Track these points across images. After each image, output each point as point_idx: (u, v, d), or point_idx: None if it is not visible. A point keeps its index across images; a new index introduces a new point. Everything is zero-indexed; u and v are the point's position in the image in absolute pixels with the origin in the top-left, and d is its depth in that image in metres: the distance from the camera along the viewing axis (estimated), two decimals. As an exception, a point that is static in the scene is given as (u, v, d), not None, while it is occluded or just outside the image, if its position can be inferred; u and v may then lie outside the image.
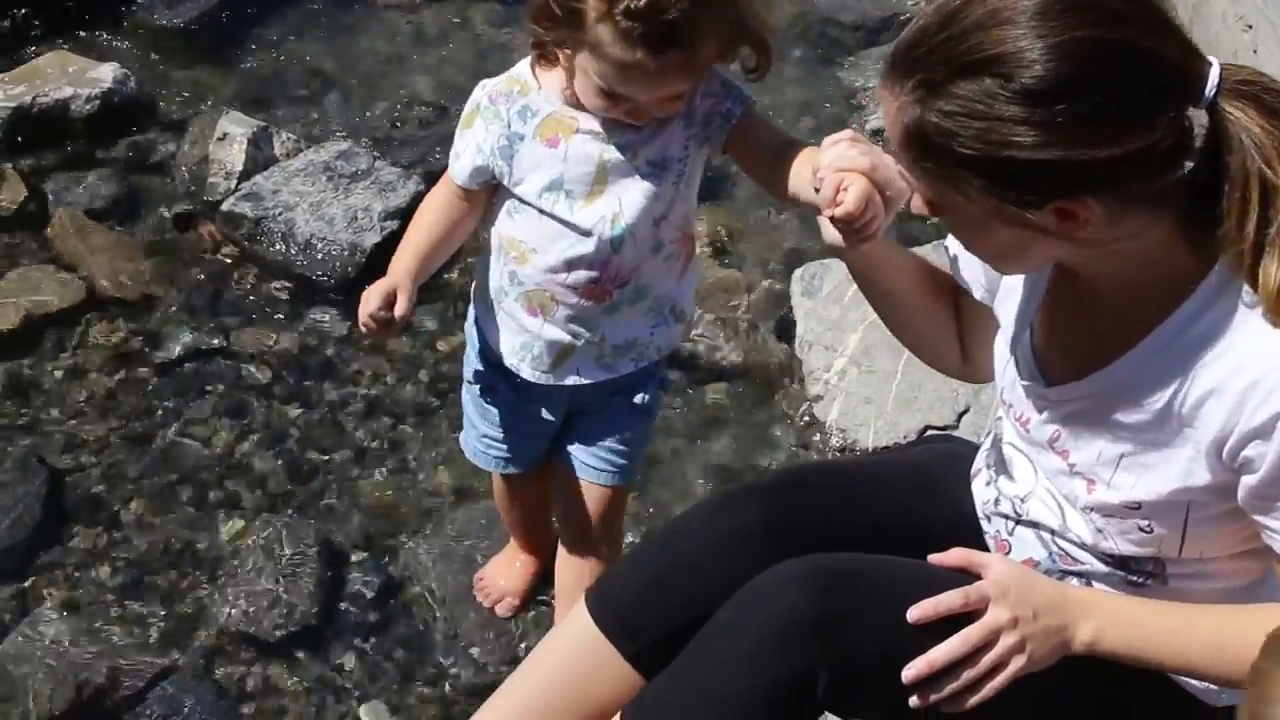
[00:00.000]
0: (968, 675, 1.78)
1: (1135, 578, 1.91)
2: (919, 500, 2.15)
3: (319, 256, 3.69)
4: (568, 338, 2.36)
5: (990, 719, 1.81)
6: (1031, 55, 1.59)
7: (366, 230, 3.74)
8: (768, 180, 2.25)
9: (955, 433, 3.20)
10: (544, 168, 2.24)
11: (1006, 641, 1.77)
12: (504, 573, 2.95)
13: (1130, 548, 1.87)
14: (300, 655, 2.88)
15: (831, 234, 1.92)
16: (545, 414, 2.55)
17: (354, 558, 3.07)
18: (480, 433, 2.61)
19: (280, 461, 3.27)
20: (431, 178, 2.43)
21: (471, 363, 2.55)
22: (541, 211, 2.26)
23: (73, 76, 4.09)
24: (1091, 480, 1.86)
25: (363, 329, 2.29)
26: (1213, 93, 1.63)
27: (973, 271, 2.05)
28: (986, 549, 2.05)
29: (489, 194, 2.35)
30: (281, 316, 3.62)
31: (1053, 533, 1.96)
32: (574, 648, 2.10)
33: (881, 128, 4.17)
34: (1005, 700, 1.79)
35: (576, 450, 2.57)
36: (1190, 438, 1.74)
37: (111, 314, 3.58)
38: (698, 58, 2.09)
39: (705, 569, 2.03)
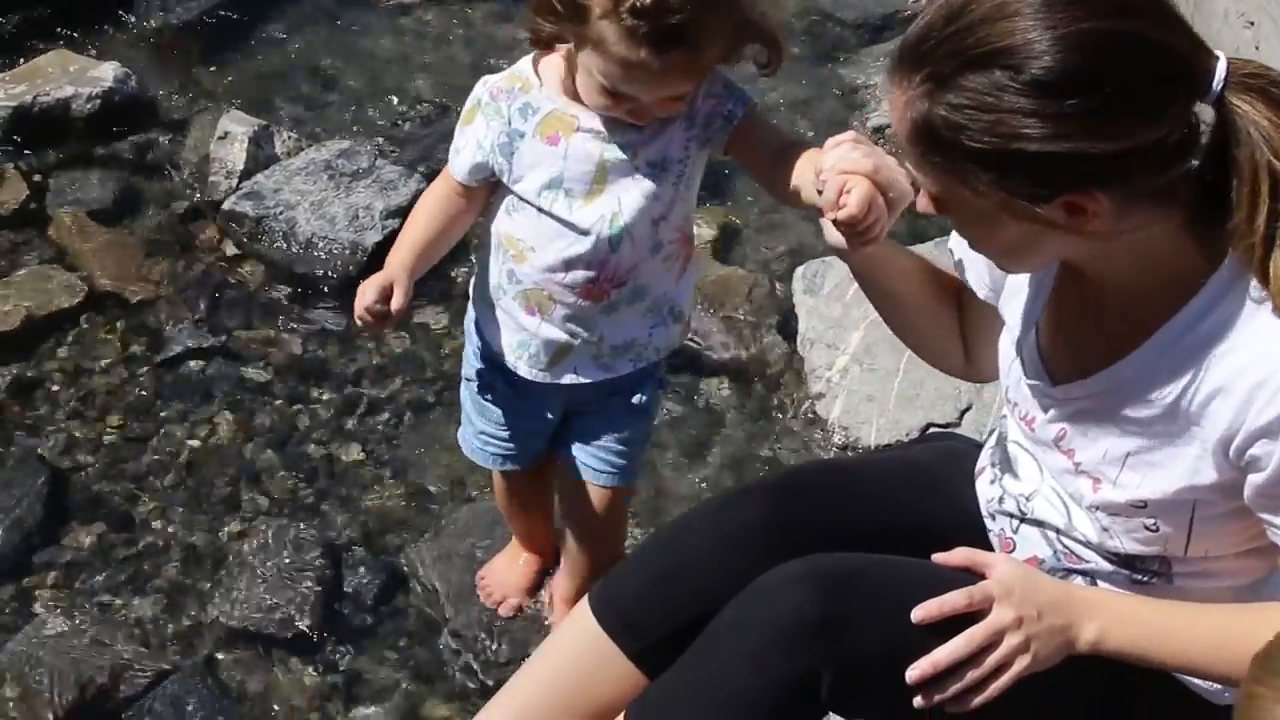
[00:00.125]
0: (972, 675, 1.77)
1: (1140, 576, 1.91)
2: (922, 499, 2.15)
3: (320, 255, 3.69)
4: (565, 337, 2.36)
5: (994, 719, 1.81)
6: (1041, 46, 1.58)
7: (368, 229, 3.73)
8: (770, 181, 2.24)
9: (958, 430, 3.20)
10: (544, 166, 2.24)
11: (1011, 641, 1.76)
12: (506, 572, 2.95)
13: (1136, 546, 1.87)
14: (302, 655, 2.88)
15: (834, 236, 1.91)
16: (543, 412, 2.55)
17: (356, 557, 3.06)
18: (478, 430, 2.60)
19: (282, 461, 3.26)
20: (433, 176, 2.42)
21: (470, 360, 2.55)
22: (540, 210, 2.26)
23: (74, 76, 4.09)
24: (1097, 479, 1.85)
25: (358, 322, 2.29)
26: (1220, 86, 1.63)
27: (977, 271, 2.05)
28: (990, 548, 2.05)
29: (488, 191, 2.35)
30: (283, 316, 3.62)
31: (1058, 531, 1.96)
32: (577, 647, 2.10)
33: (883, 125, 4.20)
34: (1009, 700, 1.78)
35: (577, 451, 2.58)
36: (1197, 436, 1.73)
37: (112, 313, 3.58)
38: (702, 58, 2.09)
39: (708, 568, 2.03)
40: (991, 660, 1.77)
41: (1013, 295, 1.97)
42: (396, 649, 2.91)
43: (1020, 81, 1.59)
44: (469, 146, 2.30)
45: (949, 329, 2.19)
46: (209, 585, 2.98)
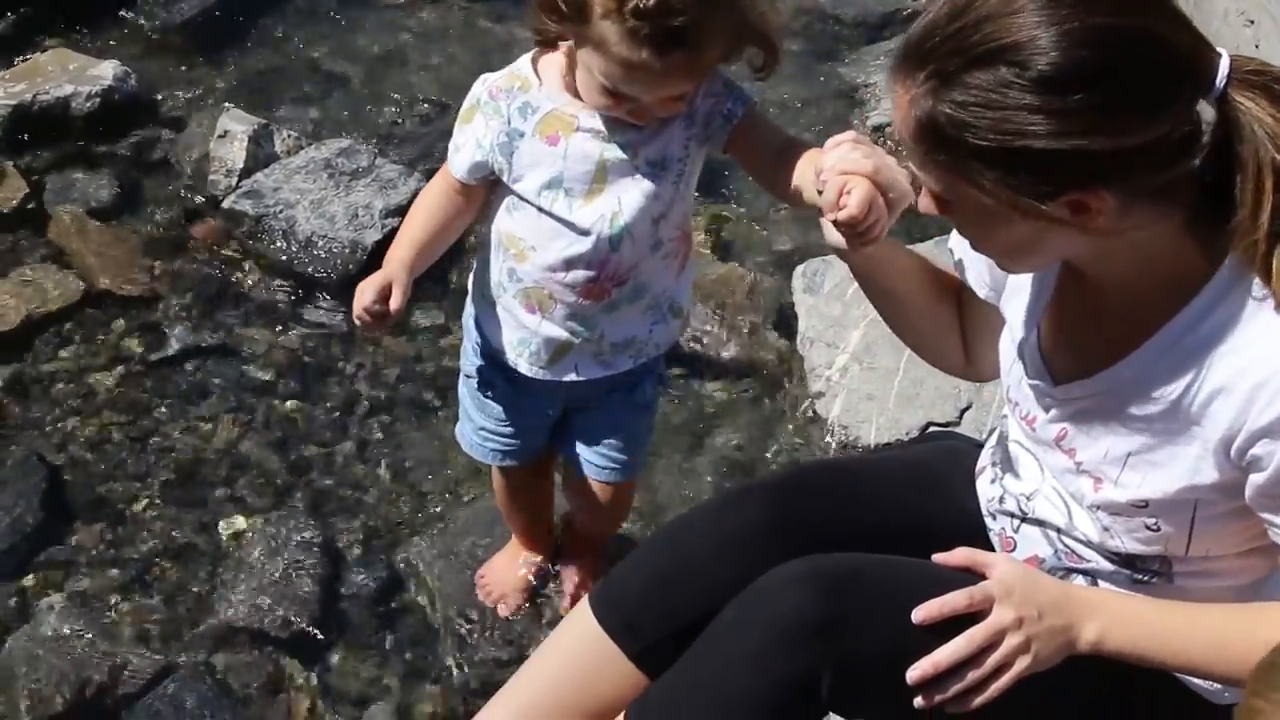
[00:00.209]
0: (972, 676, 1.77)
1: (1141, 576, 1.91)
2: (922, 498, 2.15)
3: (320, 254, 3.69)
4: (566, 335, 2.36)
5: (995, 718, 1.80)
6: (1046, 43, 1.58)
7: (367, 228, 3.73)
8: (769, 181, 2.25)
9: (957, 429, 3.20)
10: (543, 165, 2.24)
11: (1011, 642, 1.76)
12: (505, 570, 2.95)
13: (1137, 546, 1.87)
14: (302, 653, 2.88)
15: (834, 236, 1.91)
16: (543, 408, 2.55)
17: (355, 556, 3.06)
18: (477, 425, 2.61)
19: (281, 459, 3.27)
20: (432, 175, 2.42)
21: (469, 357, 2.54)
22: (540, 209, 2.26)
23: (73, 74, 4.09)
24: (1098, 478, 1.85)
25: (357, 322, 2.28)
26: (1223, 83, 1.63)
27: (978, 271, 2.04)
28: (990, 547, 2.05)
29: (487, 189, 2.35)
30: (282, 314, 3.62)
31: (1059, 531, 1.96)
32: (578, 647, 2.10)
33: (883, 123, 4.20)
34: (1010, 700, 1.78)
35: (580, 450, 2.59)
36: (1198, 436, 1.73)
37: (112, 312, 3.58)
38: (702, 60, 2.09)
39: (709, 569, 2.03)
40: (992, 661, 1.77)
41: (1013, 295, 1.97)
42: (396, 648, 2.91)
43: (1026, 78, 1.59)
44: (468, 145, 2.30)
45: (949, 328, 2.19)
46: (208, 584, 2.98)
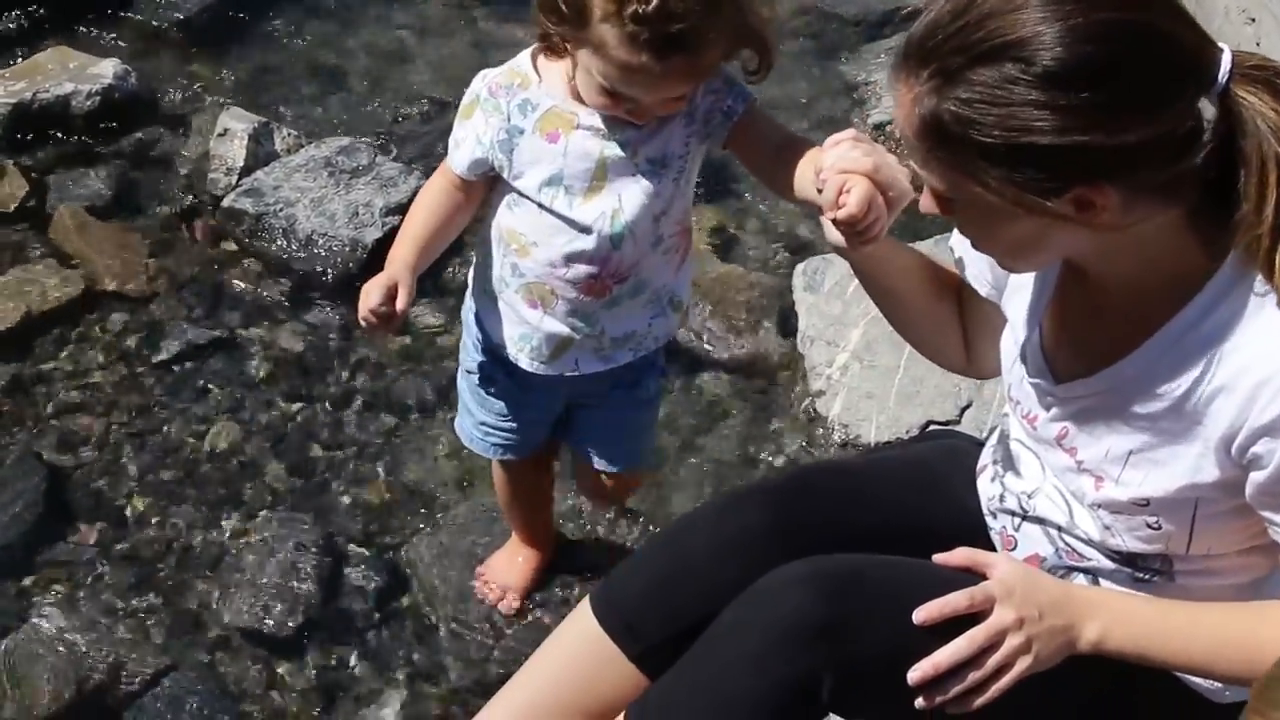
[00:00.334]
0: (973, 676, 1.77)
1: (1142, 574, 1.91)
2: (923, 498, 2.15)
3: (320, 252, 3.69)
4: (567, 330, 2.36)
5: (996, 718, 1.80)
6: (1050, 38, 1.58)
7: (368, 226, 3.73)
8: (769, 177, 2.25)
9: (958, 428, 3.20)
10: (543, 163, 2.24)
11: (1012, 642, 1.76)
12: (505, 568, 2.95)
13: (1138, 544, 1.87)
14: (302, 652, 2.88)
15: (834, 235, 1.91)
16: (545, 403, 2.56)
17: (355, 554, 3.06)
18: (478, 420, 2.61)
19: (281, 458, 3.26)
20: (433, 173, 2.42)
21: (470, 352, 2.54)
22: (541, 206, 2.26)
23: (73, 72, 4.09)
24: (1100, 477, 1.85)
25: (363, 324, 2.28)
26: (1226, 78, 1.62)
27: (979, 269, 2.04)
28: (991, 546, 2.05)
29: (487, 185, 2.35)
30: (282, 313, 3.62)
31: (1060, 529, 1.96)
32: (578, 648, 2.10)
33: (884, 121, 4.19)
34: (1010, 699, 1.78)
35: (586, 445, 2.63)
36: (1199, 434, 1.73)
37: (112, 310, 3.58)
38: (702, 62, 2.08)
39: (710, 570, 2.02)
40: (993, 661, 1.76)
41: (1015, 293, 1.97)
42: (395, 646, 2.90)
43: (1031, 74, 1.58)
44: (468, 141, 2.29)
45: (950, 326, 2.19)
46: (208, 583, 2.98)
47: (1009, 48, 1.60)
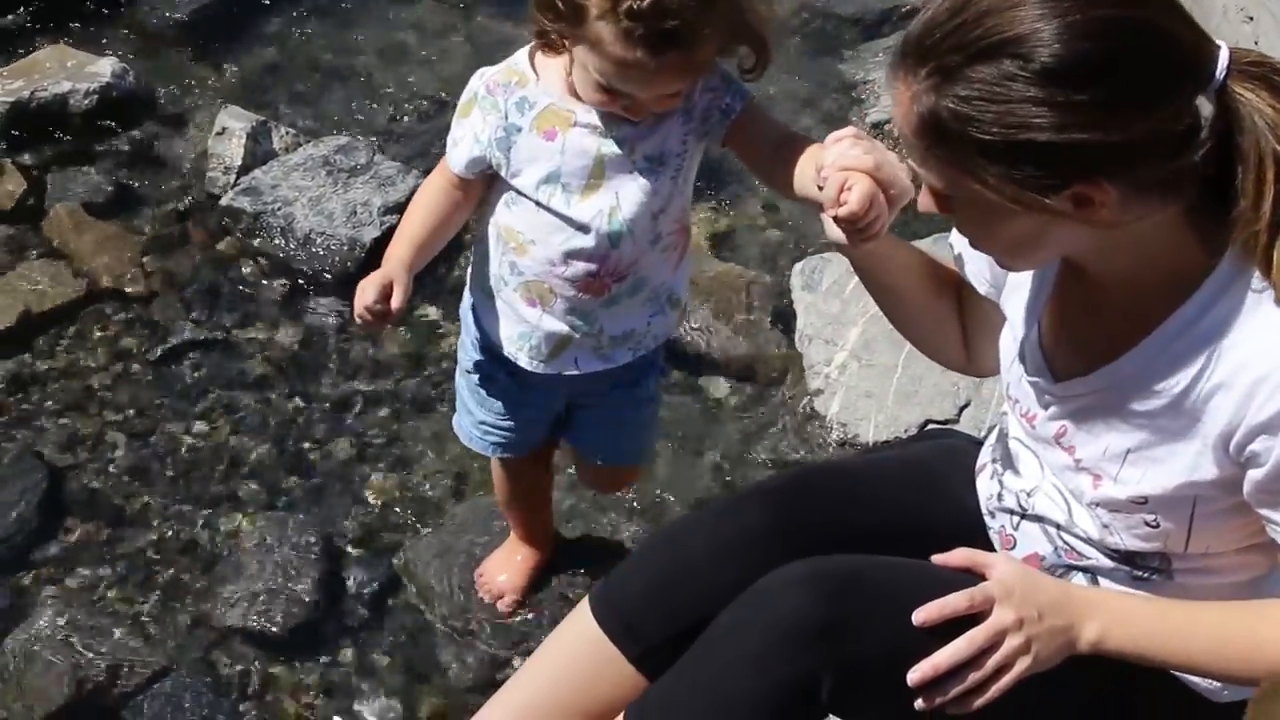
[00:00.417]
0: (973, 677, 1.77)
1: (1141, 573, 1.91)
2: (922, 498, 2.15)
3: (318, 251, 3.68)
4: (566, 329, 2.36)
5: (995, 718, 1.80)
6: (1049, 35, 1.58)
7: (365, 225, 3.73)
8: (768, 175, 2.25)
9: (956, 427, 3.20)
10: (541, 160, 2.23)
11: (1012, 643, 1.76)
12: (504, 567, 2.94)
13: (1136, 543, 1.87)
14: (300, 652, 2.87)
15: (835, 233, 1.91)
16: (545, 402, 2.56)
17: (354, 553, 3.06)
18: (477, 419, 2.60)
19: (279, 457, 3.26)
20: (431, 172, 2.42)
21: (468, 351, 2.54)
22: (539, 204, 2.26)
23: (71, 71, 4.09)
24: (1098, 475, 1.85)
25: (358, 321, 2.28)
26: (1223, 75, 1.63)
27: (978, 267, 2.04)
28: (990, 546, 2.05)
29: (485, 184, 2.35)
30: (280, 312, 3.61)
31: (1058, 527, 1.96)
32: (577, 648, 2.10)
33: (882, 120, 4.19)
34: (1010, 700, 1.78)
35: (587, 442, 2.65)
36: (1198, 432, 1.73)
37: (110, 309, 3.57)
38: (697, 59, 2.08)
39: (710, 571, 2.02)
40: (993, 662, 1.76)
41: (1014, 291, 1.97)
42: (394, 646, 2.90)
43: (1029, 71, 1.58)
44: (466, 139, 2.29)
45: (949, 323, 2.19)
46: (206, 582, 2.98)
47: (1007, 45, 1.60)
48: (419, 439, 3.32)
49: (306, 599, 2.92)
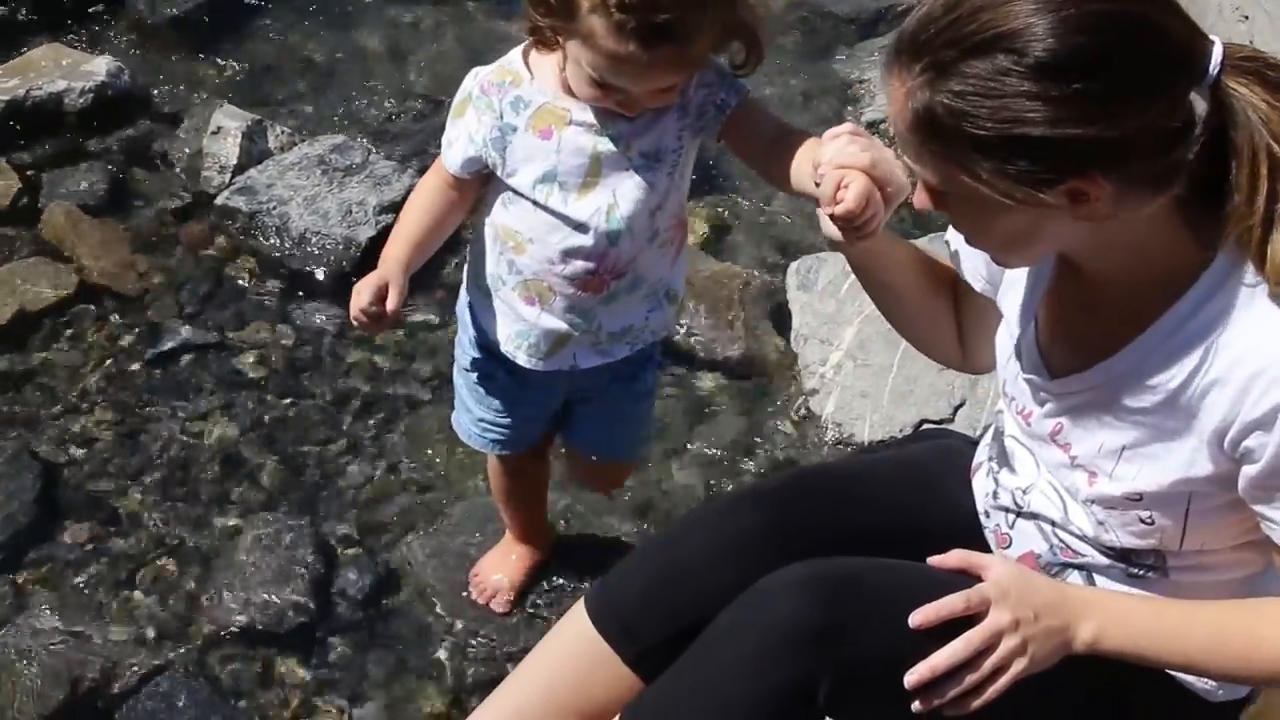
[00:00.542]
0: (970, 679, 1.77)
1: (1136, 570, 1.91)
2: (918, 498, 2.15)
3: (313, 250, 3.68)
4: (565, 327, 2.36)
5: (992, 719, 1.80)
6: (1043, 29, 1.58)
7: (361, 224, 3.73)
8: (764, 170, 2.25)
9: (951, 426, 3.20)
10: (537, 159, 2.23)
11: (1008, 644, 1.76)
12: (499, 567, 2.94)
13: (1132, 540, 1.87)
14: (295, 652, 2.87)
15: (831, 230, 1.91)
16: (544, 399, 2.56)
17: (349, 553, 3.05)
18: (476, 417, 2.60)
19: (275, 456, 3.26)
20: (426, 172, 2.41)
21: (466, 349, 2.54)
22: (536, 204, 2.25)
23: (66, 69, 4.08)
24: (1093, 472, 1.85)
25: (354, 323, 2.28)
26: (1217, 70, 1.63)
27: (974, 264, 2.05)
28: (986, 545, 2.05)
29: (480, 183, 2.34)
30: (275, 311, 3.61)
31: (1054, 525, 1.96)
32: (573, 649, 2.10)
33: (877, 120, 4.19)
34: (1007, 701, 1.78)
35: (584, 437, 2.65)
36: (1193, 428, 1.74)
37: (105, 308, 3.57)
38: (690, 53, 2.08)
39: (707, 573, 2.02)
40: (989, 663, 1.77)
41: (1010, 289, 1.97)
42: (389, 646, 2.90)
43: (1023, 65, 1.58)
44: (461, 139, 2.29)
45: (945, 320, 2.19)
46: (201, 581, 2.97)
47: (1001, 39, 1.60)
48: (414, 438, 3.31)
49: (302, 599, 2.92)
